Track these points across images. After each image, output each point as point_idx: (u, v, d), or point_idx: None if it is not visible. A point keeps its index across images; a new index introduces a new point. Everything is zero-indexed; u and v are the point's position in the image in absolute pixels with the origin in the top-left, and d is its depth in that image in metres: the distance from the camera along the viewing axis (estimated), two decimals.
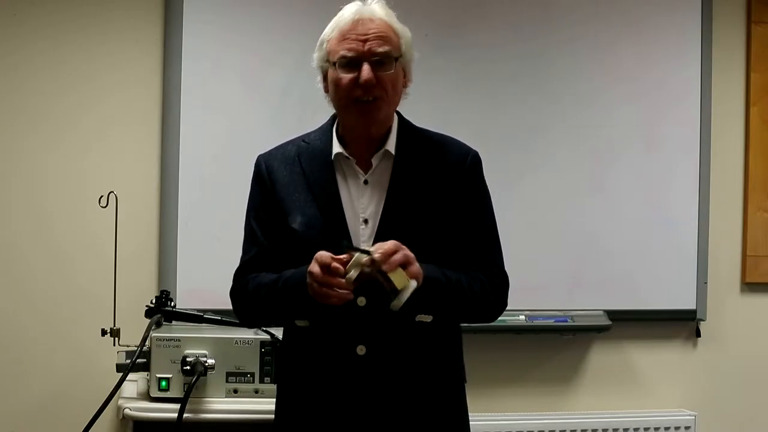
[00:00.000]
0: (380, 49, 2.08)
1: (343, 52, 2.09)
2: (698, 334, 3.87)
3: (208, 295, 3.30)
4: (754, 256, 3.91)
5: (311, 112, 3.48)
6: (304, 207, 2.15)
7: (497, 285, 2.17)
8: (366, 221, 2.13)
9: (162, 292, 2.85)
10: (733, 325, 3.92)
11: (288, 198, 2.18)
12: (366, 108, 2.10)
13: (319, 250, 2.02)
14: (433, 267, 2.05)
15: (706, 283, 3.80)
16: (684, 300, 3.79)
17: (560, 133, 3.70)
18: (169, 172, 3.39)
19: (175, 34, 3.39)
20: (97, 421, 2.33)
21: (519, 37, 3.65)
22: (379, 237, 2.07)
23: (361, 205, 2.14)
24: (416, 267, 1.98)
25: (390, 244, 1.96)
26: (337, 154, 2.17)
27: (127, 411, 2.61)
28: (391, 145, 2.15)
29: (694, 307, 3.80)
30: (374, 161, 2.15)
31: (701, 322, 3.85)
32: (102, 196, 2.93)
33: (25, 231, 3.35)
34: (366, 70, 2.06)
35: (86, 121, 3.39)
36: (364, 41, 2.08)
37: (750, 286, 3.93)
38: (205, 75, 3.40)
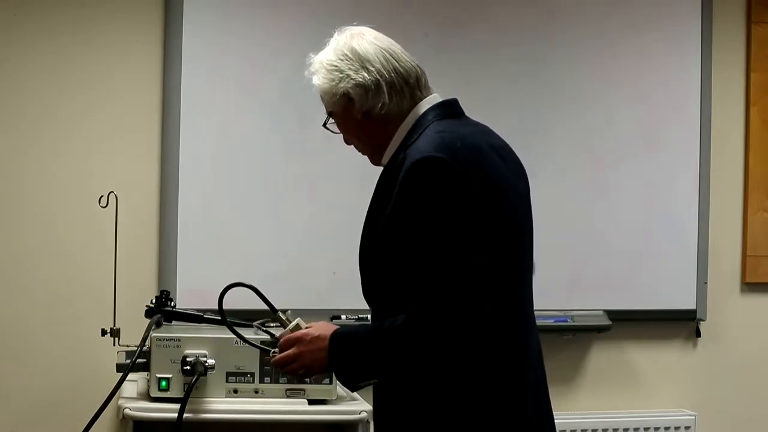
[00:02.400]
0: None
1: None
2: (698, 334, 3.87)
3: (208, 295, 3.28)
4: (754, 256, 3.91)
5: (310, 113, 3.48)
6: None
7: (405, 325, 1.84)
8: None
9: (162, 292, 2.85)
10: (733, 325, 3.92)
11: None
12: None
13: None
14: (342, 338, 1.93)
15: (706, 283, 3.80)
16: (684, 300, 3.79)
17: (561, 134, 3.70)
18: (169, 172, 3.39)
19: (175, 36, 3.39)
20: (97, 421, 2.33)
21: (520, 38, 3.65)
22: (359, 252, 2.04)
23: None
24: (308, 370, 1.96)
25: (289, 353, 1.97)
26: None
27: (127, 411, 2.61)
28: (386, 157, 2.05)
29: (694, 307, 3.80)
30: None
31: (701, 322, 3.85)
32: (102, 196, 2.93)
33: (26, 232, 3.35)
34: None
35: (87, 122, 3.39)
36: None
37: (750, 286, 3.93)
38: (204, 76, 3.41)
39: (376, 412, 2.06)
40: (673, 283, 3.78)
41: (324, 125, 2.11)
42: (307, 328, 2.00)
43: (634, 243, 3.74)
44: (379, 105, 2.00)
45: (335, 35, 2.07)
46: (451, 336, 1.82)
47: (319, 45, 2.10)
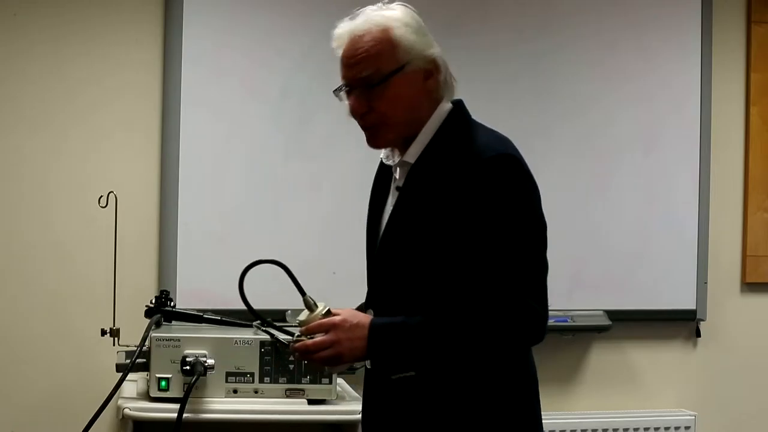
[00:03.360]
0: (365, 73, 1.93)
1: (341, 77, 1.99)
2: (698, 334, 3.87)
3: (208, 295, 3.30)
4: (754, 256, 3.91)
5: (310, 112, 3.50)
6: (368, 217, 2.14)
7: (483, 317, 1.85)
8: None
9: (162, 292, 2.86)
10: (733, 325, 3.92)
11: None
12: (370, 134, 2.00)
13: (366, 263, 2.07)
14: (383, 328, 1.90)
15: (706, 283, 3.80)
16: (684, 300, 3.79)
17: (561, 135, 3.70)
18: (169, 171, 3.39)
19: (175, 35, 3.39)
20: (97, 420, 2.33)
21: (519, 38, 3.65)
22: (379, 252, 2.02)
23: (388, 214, 2.05)
24: (339, 357, 1.90)
25: (324, 338, 1.89)
26: (382, 158, 2.10)
27: (126, 411, 2.61)
28: (411, 153, 1.99)
29: (694, 307, 3.80)
30: (400, 170, 2.04)
31: (701, 322, 3.85)
32: (102, 196, 2.93)
33: (26, 232, 3.35)
34: (352, 99, 1.96)
35: (87, 122, 3.39)
36: (353, 65, 1.95)
37: (750, 286, 3.93)
38: (204, 76, 3.40)
39: (391, 406, 2.01)
40: (673, 283, 3.78)
41: (381, 81, 1.93)
42: (336, 314, 1.93)
43: (634, 243, 3.74)
44: (446, 84, 2.00)
45: (391, 5, 2.00)
46: (527, 329, 1.89)
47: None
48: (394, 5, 2.00)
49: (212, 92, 3.41)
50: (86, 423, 2.32)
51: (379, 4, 2.01)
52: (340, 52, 1.98)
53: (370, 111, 1.96)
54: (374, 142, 2.01)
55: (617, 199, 3.74)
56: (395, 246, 1.98)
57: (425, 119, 1.99)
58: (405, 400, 1.96)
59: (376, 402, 2.05)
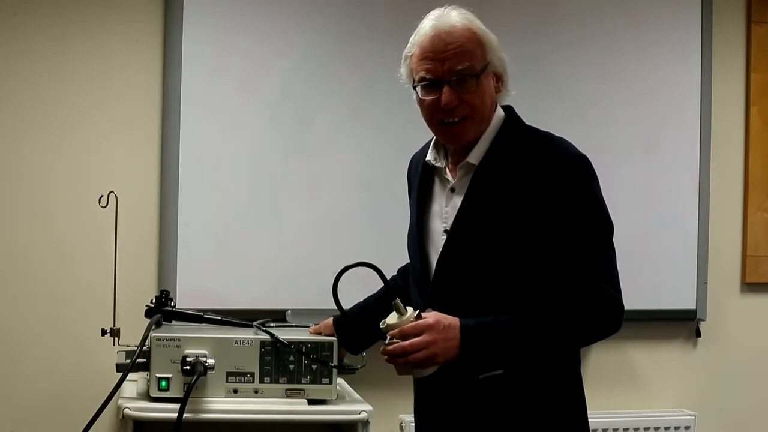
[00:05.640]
0: (460, 67, 2.00)
1: (422, 73, 2.01)
2: (698, 334, 3.87)
3: (208, 295, 3.30)
4: (754, 256, 3.91)
5: (311, 113, 3.50)
6: (411, 216, 2.18)
7: (573, 310, 1.95)
8: (446, 232, 2.06)
9: (162, 292, 2.85)
10: (733, 325, 3.92)
11: (410, 204, 2.21)
12: (451, 129, 2.04)
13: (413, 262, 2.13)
14: (476, 327, 1.94)
15: (706, 283, 3.80)
16: (684, 300, 3.79)
17: (561, 134, 3.69)
18: (169, 171, 3.39)
19: (175, 35, 3.39)
20: (97, 420, 2.33)
21: (519, 38, 3.64)
22: (446, 251, 2.04)
23: (445, 214, 2.08)
24: (432, 360, 1.93)
25: (419, 339, 1.91)
26: (429, 160, 2.13)
27: (126, 411, 2.61)
28: (475, 155, 2.05)
29: (694, 307, 3.80)
30: (459, 171, 2.08)
31: (701, 322, 3.85)
32: (102, 196, 2.93)
33: (26, 231, 3.35)
34: (446, 93, 1.99)
35: (87, 121, 3.39)
36: (443, 60, 1.99)
37: (750, 286, 3.93)
38: (205, 76, 3.41)
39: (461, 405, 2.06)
40: (673, 283, 3.78)
41: (474, 76, 2.03)
42: (425, 318, 1.95)
43: (634, 243, 3.73)
44: (506, 90, 2.14)
45: (455, 8, 2.08)
46: (610, 319, 2.02)
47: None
48: (457, 8, 2.09)
49: (212, 92, 3.41)
50: (86, 423, 2.32)
51: (443, 9, 2.09)
52: (428, 42, 2.02)
53: (460, 104, 2.01)
54: (461, 136, 2.05)
55: (617, 199, 3.72)
56: (470, 244, 2.01)
57: (491, 121, 2.07)
58: (488, 399, 2.02)
59: (449, 403, 2.08)
